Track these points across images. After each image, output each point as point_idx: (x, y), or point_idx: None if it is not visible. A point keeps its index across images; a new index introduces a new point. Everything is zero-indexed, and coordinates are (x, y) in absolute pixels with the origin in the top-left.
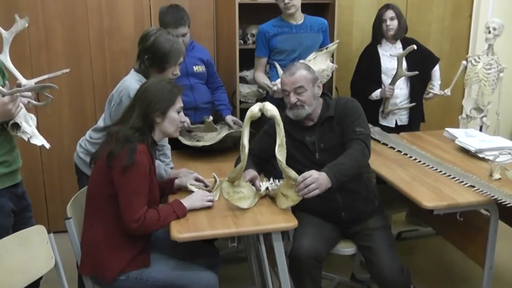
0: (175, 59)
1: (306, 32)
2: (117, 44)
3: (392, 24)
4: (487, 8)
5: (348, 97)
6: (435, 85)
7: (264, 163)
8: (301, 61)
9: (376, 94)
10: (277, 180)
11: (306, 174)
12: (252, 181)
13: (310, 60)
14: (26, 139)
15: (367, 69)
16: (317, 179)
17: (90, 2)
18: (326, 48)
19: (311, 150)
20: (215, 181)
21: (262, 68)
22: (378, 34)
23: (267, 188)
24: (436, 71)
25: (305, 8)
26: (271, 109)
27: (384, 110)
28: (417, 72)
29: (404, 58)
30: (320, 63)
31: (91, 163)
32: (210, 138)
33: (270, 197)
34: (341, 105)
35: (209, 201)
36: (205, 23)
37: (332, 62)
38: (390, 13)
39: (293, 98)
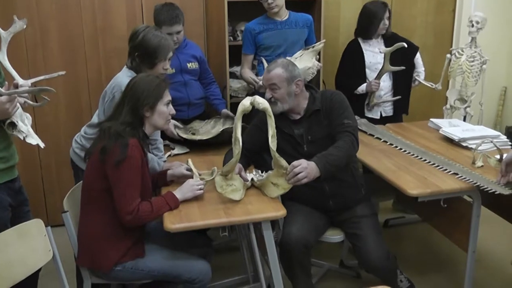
0: (164, 54)
1: (291, 28)
2: (111, 42)
3: (387, 23)
4: (470, 3)
5: (333, 90)
6: (420, 72)
7: (253, 155)
8: (287, 58)
9: (362, 88)
10: (259, 171)
11: (295, 163)
12: (239, 173)
13: (296, 58)
14: (22, 138)
15: (351, 64)
16: (305, 168)
17: (83, 1)
18: (313, 47)
19: (299, 142)
20: (213, 173)
21: (248, 65)
22: (372, 31)
23: (252, 179)
24: (418, 58)
25: (292, 5)
26: (262, 102)
27: (370, 103)
28: (403, 67)
29: None
30: (306, 61)
31: (85, 158)
32: (204, 132)
33: (256, 187)
34: (327, 98)
35: (200, 188)
36: (195, 21)
37: (319, 59)
38: (387, 13)
39: (267, 94)
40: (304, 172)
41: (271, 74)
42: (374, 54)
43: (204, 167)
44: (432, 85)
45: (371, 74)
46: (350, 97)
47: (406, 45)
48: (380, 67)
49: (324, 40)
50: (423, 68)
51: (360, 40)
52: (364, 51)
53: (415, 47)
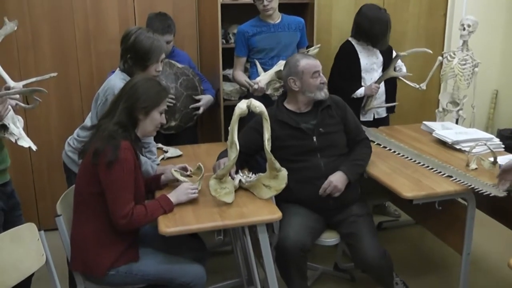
0: (157, 56)
1: (284, 31)
2: (103, 45)
3: None
4: (461, 6)
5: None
6: (401, 65)
7: (248, 158)
8: (281, 60)
9: (360, 92)
10: (246, 172)
11: (325, 185)
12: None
13: None
14: (14, 141)
15: (347, 67)
16: (336, 187)
17: (75, 4)
18: (308, 51)
19: (308, 134)
20: (200, 169)
21: (241, 67)
22: (385, 41)
23: (240, 180)
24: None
25: (285, 8)
26: (259, 105)
27: (365, 107)
28: (410, 74)
29: (380, 54)
30: None
31: (79, 158)
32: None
33: (244, 189)
34: (333, 97)
35: (194, 192)
36: (188, 23)
37: None
38: None
39: (323, 78)
40: (335, 189)
41: (318, 62)
42: (369, 56)
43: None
44: (416, 85)
45: (366, 76)
46: (346, 101)
47: (431, 52)
48: (376, 69)
49: (319, 45)
50: (401, 63)
51: (354, 42)
52: (359, 53)
53: (391, 49)
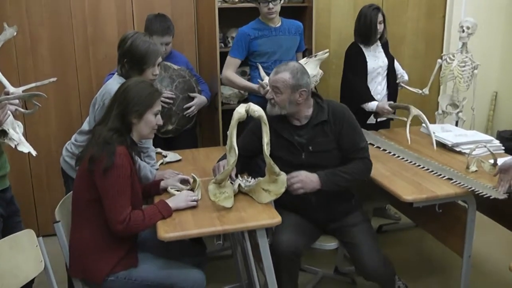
0: (153, 60)
1: (285, 35)
2: (102, 50)
3: (380, 28)
4: (460, 9)
5: (339, 103)
6: (402, 73)
7: (247, 161)
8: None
9: (372, 107)
10: (245, 176)
11: (293, 173)
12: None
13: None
14: (13, 146)
15: (355, 69)
16: (301, 181)
17: (74, 9)
18: (315, 56)
19: (298, 150)
20: (195, 181)
21: (234, 69)
22: (371, 35)
23: (239, 185)
24: (396, 64)
25: (283, 11)
26: (257, 109)
27: (376, 117)
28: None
29: (385, 55)
30: (311, 69)
31: (76, 164)
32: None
33: (243, 193)
34: (336, 111)
35: (193, 201)
36: (187, 28)
37: None
38: (380, 17)
39: (269, 94)
40: (300, 183)
41: (277, 77)
42: (375, 58)
43: (196, 175)
44: (418, 91)
45: (370, 80)
46: (357, 106)
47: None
48: (382, 72)
49: (327, 50)
50: (403, 70)
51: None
52: (366, 56)
53: (392, 56)
